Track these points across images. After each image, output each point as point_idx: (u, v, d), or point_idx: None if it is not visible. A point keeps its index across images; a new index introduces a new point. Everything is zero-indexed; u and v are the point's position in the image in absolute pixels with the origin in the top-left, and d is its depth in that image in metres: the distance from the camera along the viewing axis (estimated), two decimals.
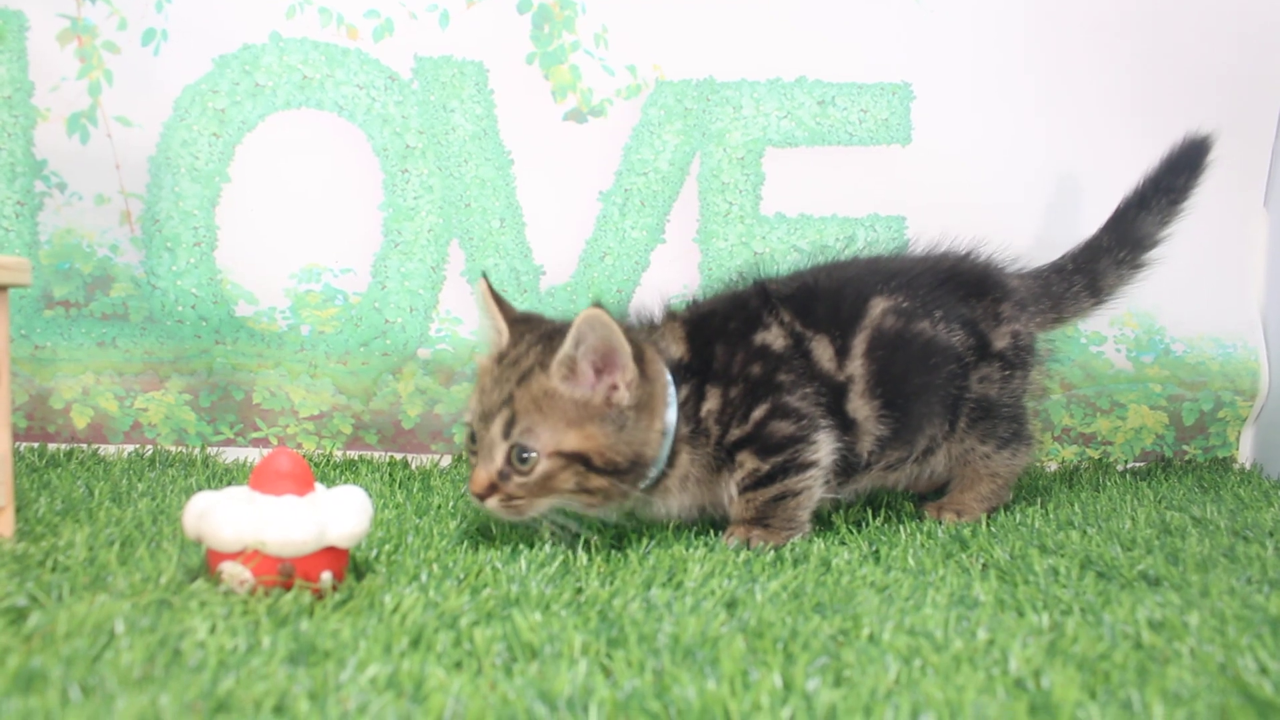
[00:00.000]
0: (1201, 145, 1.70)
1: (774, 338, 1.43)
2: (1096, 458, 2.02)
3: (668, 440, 1.36)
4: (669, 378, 1.37)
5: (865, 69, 1.93)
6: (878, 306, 1.47)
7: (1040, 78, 1.96)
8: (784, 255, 1.90)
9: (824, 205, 1.93)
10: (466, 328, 1.93)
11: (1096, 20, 1.95)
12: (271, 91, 1.88)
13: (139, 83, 1.86)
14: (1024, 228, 1.93)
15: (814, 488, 1.42)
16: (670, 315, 1.48)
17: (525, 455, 1.29)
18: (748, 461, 1.40)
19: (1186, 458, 2.03)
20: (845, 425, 1.44)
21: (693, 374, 1.40)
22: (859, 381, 1.44)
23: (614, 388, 1.31)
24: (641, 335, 1.41)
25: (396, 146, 1.90)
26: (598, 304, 1.28)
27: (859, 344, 1.45)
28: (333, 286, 1.91)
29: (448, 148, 1.91)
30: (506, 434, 1.30)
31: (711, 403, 1.40)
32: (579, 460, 1.30)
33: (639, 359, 1.32)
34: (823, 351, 1.44)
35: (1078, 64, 1.96)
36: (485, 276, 1.45)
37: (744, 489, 1.41)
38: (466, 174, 1.92)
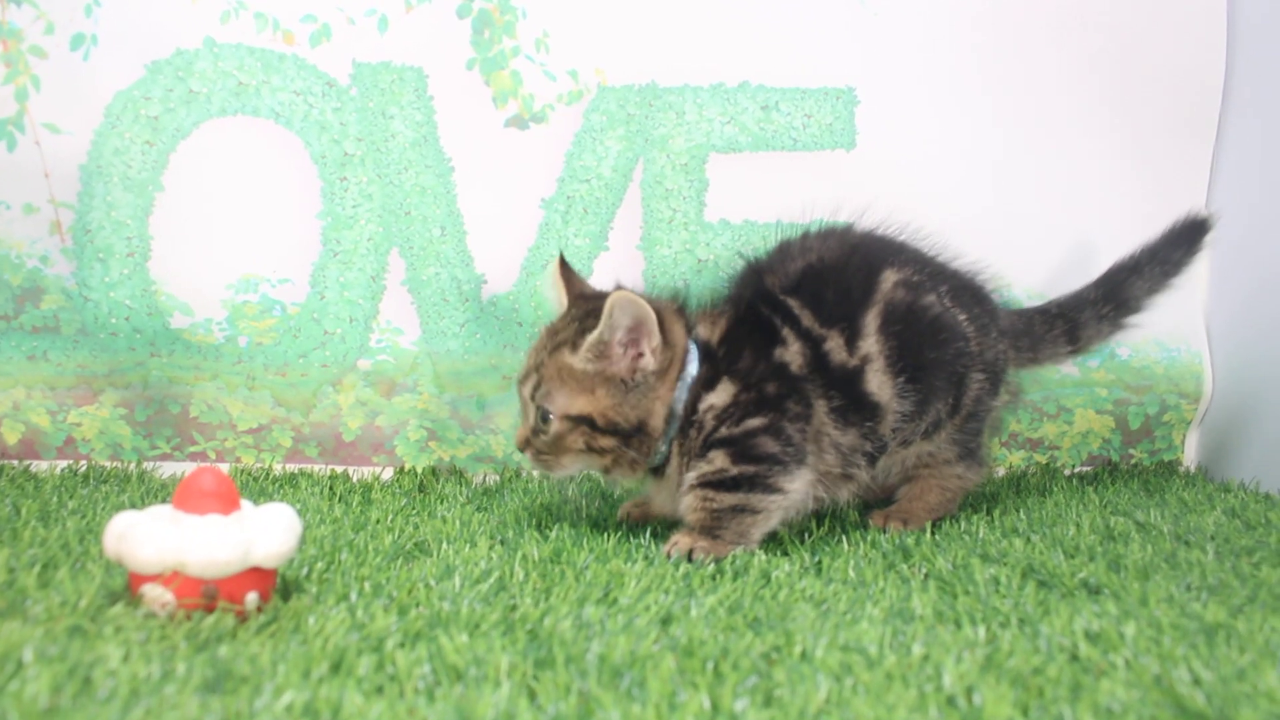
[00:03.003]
0: (1201, 226, 1.75)
1: (792, 355, 1.44)
2: (1044, 462, 2.02)
3: (675, 418, 1.42)
4: (693, 350, 1.45)
5: (809, 74, 1.92)
6: (889, 280, 1.48)
7: (993, 81, 1.95)
8: (728, 262, 1.88)
9: (768, 211, 1.91)
10: (407, 338, 1.90)
11: (1049, 24, 1.95)
12: (206, 98, 1.85)
13: (68, 89, 1.81)
14: (977, 232, 1.91)
15: (773, 513, 1.40)
16: (721, 307, 1.52)
17: (545, 417, 1.42)
18: (718, 459, 1.39)
19: (1133, 461, 2.03)
20: (869, 409, 1.45)
21: (712, 363, 1.44)
22: (877, 358, 1.44)
23: (639, 355, 1.40)
24: (668, 305, 1.48)
25: (335, 154, 1.87)
26: (621, 286, 1.43)
27: (872, 320, 1.45)
28: (270, 297, 1.87)
29: (387, 155, 1.88)
30: (533, 396, 1.44)
31: (718, 398, 1.41)
32: (585, 421, 1.41)
33: (661, 325, 1.41)
34: (835, 347, 1.45)
35: (1030, 68, 1.96)
36: (561, 255, 1.56)
37: (704, 483, 1.39)
38: (406, 182, 1.89)
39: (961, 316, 1.52)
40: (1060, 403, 2.00)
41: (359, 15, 1.87)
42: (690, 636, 1.00)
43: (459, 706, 0.83)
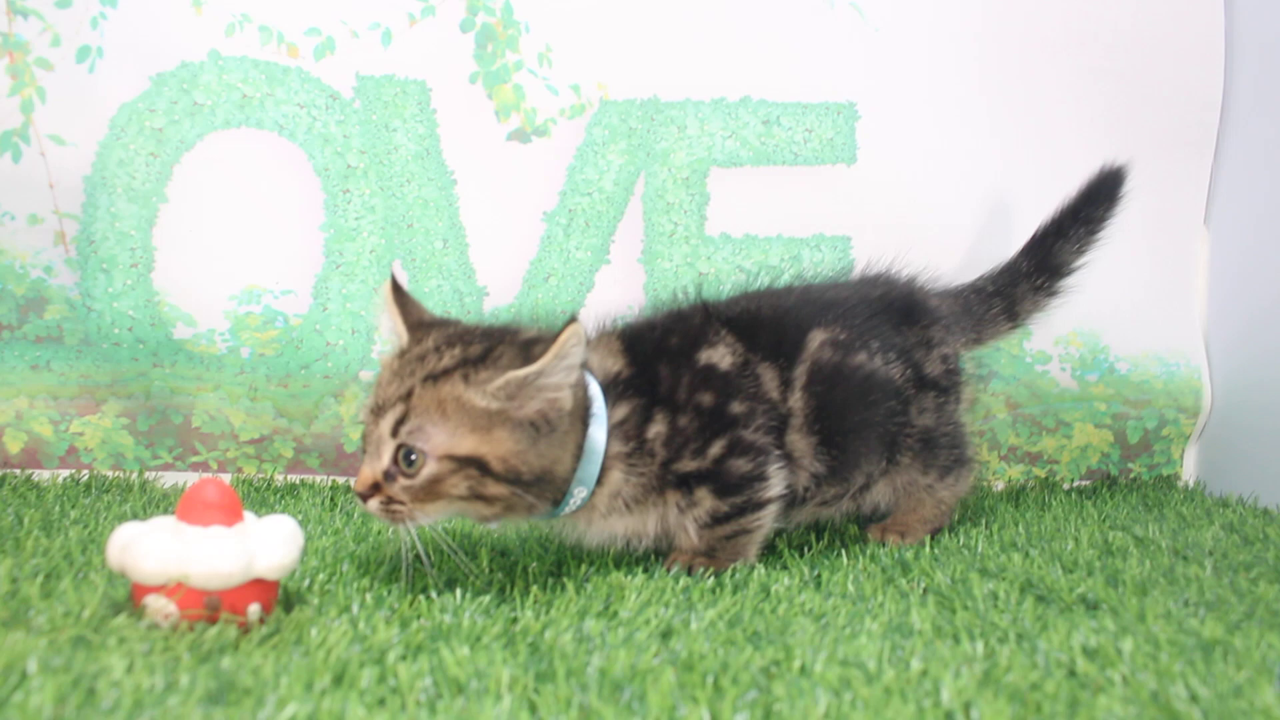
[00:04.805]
0: (1116, 176, 1.72)
1: (720, 356, 1.38)
2: (1043, 476, 2.03)
3: (593, 460, 1.28)
4: (597, 392, 1.30)
5: (810, 88, 1.93)
6: (816, 339, 1.44)
7: (993, 97, 1.96)
8: (729, 275, 1.89)
9: (769, 225, 1.93)
10: None
11: (1049, 40, 1.96)
12: (210, 110, 1.86)
13: (74, 101, 1.82)
14: (975, 248, 1.93)
15: (766, 524, 1.40)
16: (605, 331, 1.43)
17: (412, 457, 1.20)
18: (706, 500, 1.35)
19: (1131, 476, 2.04)
20: (783, 459, 1.40)
21: (636, 392, 1.33)
22: (798, 415, 1.41)
23: (555, 397, 1.22)
24: None
25: (338, 166, 1.88)
26: (575, 318, 1.21)
27: (800, 376, 1.42)
28: (273, 308, 1.88)
29: (390, 168, 1.89)
30: (395, 431, 1.20)
31: (659, 426, 1.33)
32: (474, 465, 1.20)
33: None
34: (770, 379, 1.41)
35: (1030, 84, 1.97)
36: (392, 278, 1.36)
37: (703, 526, 1.36)
38: (409, 194, 1.90)
39: (894, 368, 1.48)
40: (1059, 417, 2.00)
41: (363, 29, 1.88)
42: (690, 650, 1.00)
43: (460, 719, 0.84)
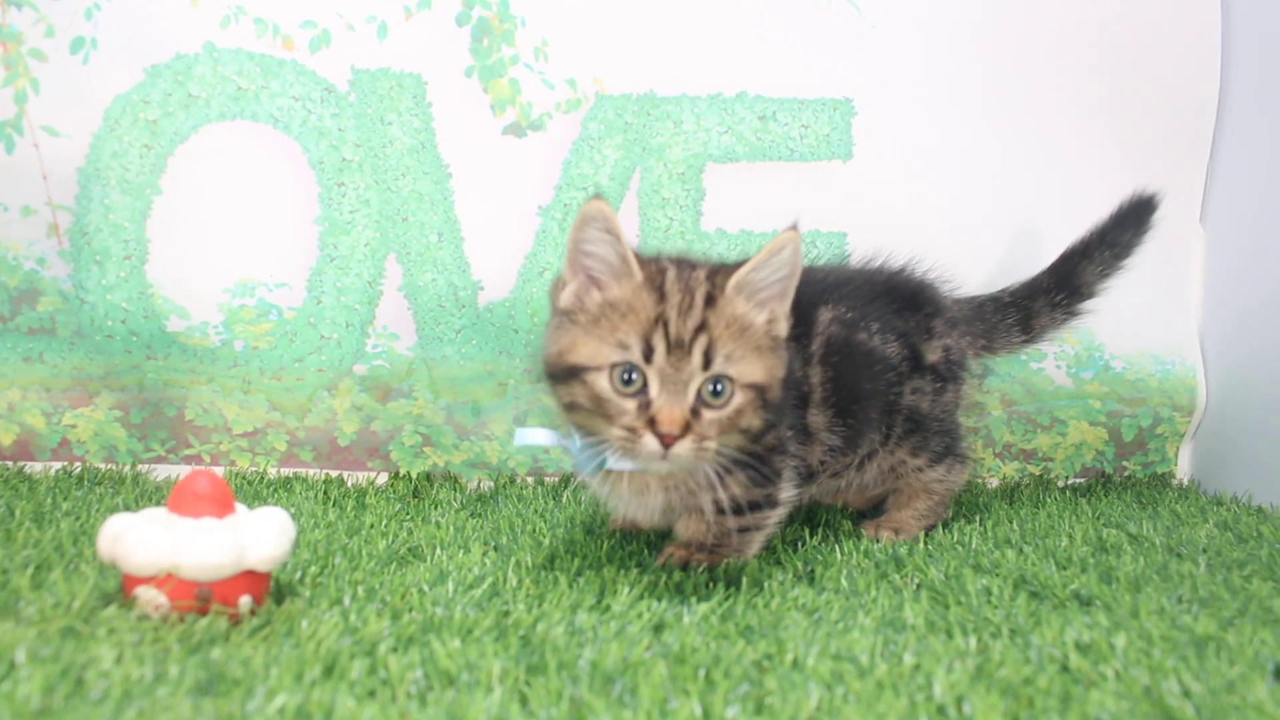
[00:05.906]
0: (1148, 204, 1.73)
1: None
2: (1037, 474, 2.02)
3: None
4: None
5: (806, 84, 1.92)
6: (825, 315, 1.47)
7: (990, 94, 1.96)
8: None
9: (765, 221, 1.92)
10: (403, 343, 1.90)
11: (1046, 37, 1.96)
12: (205, 102, 1.85)
13: (67, 92, 1.81)
14: (971, 244, 1.93)
15: (773, 524, 1.40)
16: None
17: (720, 388, 1.17)
18: (735, 486, 1.29)
19: (1126, 474, 2.04)
20: (804, 437, 1.42)
21: None
22: (817, 390, 1.43)
23: (772, 319, 1.22)
24: None
25: (333, 159, 1.88)
26: (794, 226, 1.19)
27: (817, 350, 1.44)
28: (267, 301, 1.87)
29: (385, 161, 1.89)
30: (707, 364, 1.16)
31: None
32: (758, 393, 1.19)
33: None
34: (794, 359, 1.40)
35: (1028, 81, 1.96)
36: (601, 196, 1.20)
37: (719, 511, 1.31)
38: (404, 188, 1.89)
39: (891, 347, 1.50)
40: (1054, 414, 2.00)
41: (358, 22, 1.87)
42: (682, 644, 1.00)
43: (451, 711, 0.84)
